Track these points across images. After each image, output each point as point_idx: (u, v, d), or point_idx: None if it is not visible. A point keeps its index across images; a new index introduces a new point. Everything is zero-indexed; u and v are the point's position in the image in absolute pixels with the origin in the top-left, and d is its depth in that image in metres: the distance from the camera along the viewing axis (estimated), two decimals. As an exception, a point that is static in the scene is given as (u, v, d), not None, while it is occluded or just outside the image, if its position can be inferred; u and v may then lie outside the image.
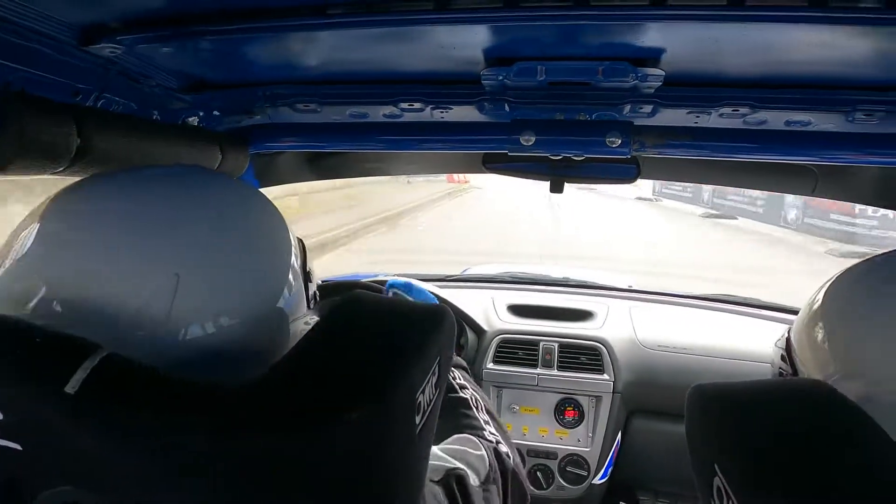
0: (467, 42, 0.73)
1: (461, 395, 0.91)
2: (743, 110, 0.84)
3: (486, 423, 0.86)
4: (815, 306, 0.61)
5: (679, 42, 0.68)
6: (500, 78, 0.80)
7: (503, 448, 0.81)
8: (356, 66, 0.85)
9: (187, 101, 0.93)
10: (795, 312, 0.68)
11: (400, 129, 1.03)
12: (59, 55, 0.67)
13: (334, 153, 1.38)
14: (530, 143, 0.94)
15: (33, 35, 0.62)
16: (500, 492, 0.73)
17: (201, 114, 0.98)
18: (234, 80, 0.94)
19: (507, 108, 0.90)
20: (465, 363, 1.08)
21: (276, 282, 0.56)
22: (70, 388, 0.39)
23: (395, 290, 1.17)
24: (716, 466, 0.47)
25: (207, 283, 0.50)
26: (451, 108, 0.94)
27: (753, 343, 1.64)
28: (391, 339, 0.51)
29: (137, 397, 0.40)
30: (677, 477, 1.54)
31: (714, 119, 0.88)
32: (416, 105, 0.92)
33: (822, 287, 0.63)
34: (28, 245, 0.48)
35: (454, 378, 0.95)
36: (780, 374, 0.67)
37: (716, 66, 0.77)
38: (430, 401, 0.53)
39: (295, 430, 0.40)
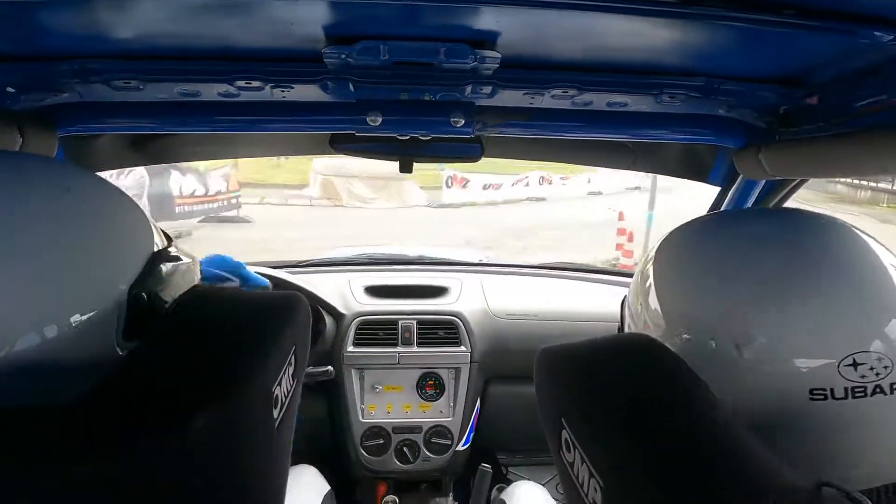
0: (306, 18, 0.70)
1: None
2: (571, 92, 0.91)
3: None
4: (644, 265, 0.69)
5: (512, 26, 0.72)
6: (343, 56, 0.78)
7: None
8: (185, 39, 0.78)
9: None
10: (623, 275, 0.76)
11: (237, 108, 0.97)
12: None
13: (163, 135, 1.25)
14: (377, 124, 0.94)
15: None
16: None
17: None
18: (31, 52, 0.80)
19: (351, 87, 0.89)
20: None
21: (98, 284, 0.49)
22: None
23: None
24: (562, 420, 0.52)
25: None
26: (293, 88, 0.90)
27: (591, 305, 1.83)
28: (240, 334, 0.49)
29: None
30: (532, 435, 1.66)
31: (547, 100, 0.95)
32: (255, 83, 0.87)
33: (651, 248, 0.71)
34: None
35: None
36: (619, 330, 0.75)
37: (546, 51, 0.82)
38: (288, 392, 0.52)
39: (132, 449, 0.37)
